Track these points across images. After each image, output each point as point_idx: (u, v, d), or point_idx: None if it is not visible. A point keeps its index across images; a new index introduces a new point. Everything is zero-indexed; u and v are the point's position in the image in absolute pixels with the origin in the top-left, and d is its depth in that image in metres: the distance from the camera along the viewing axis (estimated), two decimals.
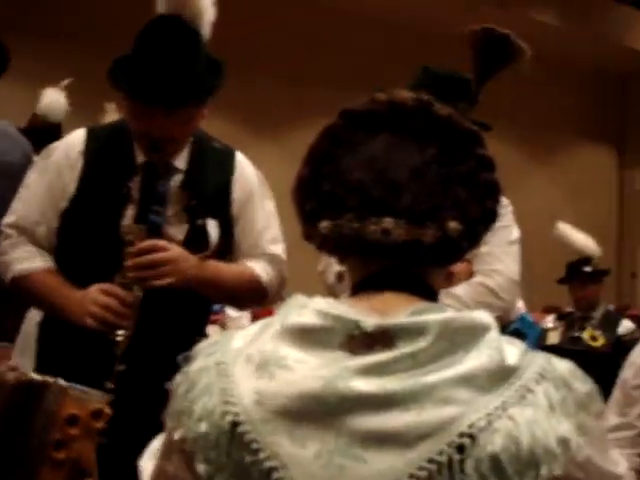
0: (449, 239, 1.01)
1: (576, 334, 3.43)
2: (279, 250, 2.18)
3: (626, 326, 4.42)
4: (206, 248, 2.06)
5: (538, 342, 3.50)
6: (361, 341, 0.94)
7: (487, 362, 0.93)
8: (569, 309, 4.78)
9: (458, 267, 2.26)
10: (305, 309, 0.99)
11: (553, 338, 3.50)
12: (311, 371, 0.93)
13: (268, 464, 0.91)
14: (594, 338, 3.39)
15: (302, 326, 0.97)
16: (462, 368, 0.92)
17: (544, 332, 3.56)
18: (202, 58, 1.97)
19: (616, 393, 2.32)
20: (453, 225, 1.01)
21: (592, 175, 11.70)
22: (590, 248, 4.88)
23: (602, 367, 2.68)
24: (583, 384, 0.96)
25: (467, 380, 0.91)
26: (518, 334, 3.25)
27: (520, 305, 5.11)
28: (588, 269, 4.83)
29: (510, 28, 2.42)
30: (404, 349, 0.92)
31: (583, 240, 4.89)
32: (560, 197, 10.95)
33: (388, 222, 0.99)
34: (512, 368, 0.94)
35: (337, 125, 1.07)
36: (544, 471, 0.88)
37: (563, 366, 0.98)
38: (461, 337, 0.94)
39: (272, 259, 2.16)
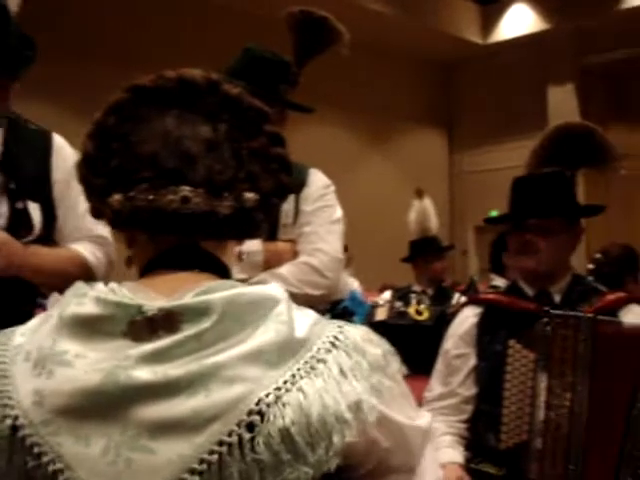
0: (245, 210, 1.01)
1: (402, 309, 3.54)
2: (105, 232, 2.09)
3: (458, 300, 4.63)
4: (29, 233, 1.96)
5: (366, 318, 3.59)
6: (144, 327, 0.91)
7: (275, 337, 0.92)
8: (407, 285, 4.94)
9: (282, 247, 2.27)
10: (84, 298, 0.95)
11: (381, 314, 3.60)
12: (91, 365, 0.89)
13: (52, 467, 0.87)
14: (419, 312, 3.51)
15: (81, 317, 0.93)
16: (249, 345, 0.91)
17: (372, 309, 3.66)
18: (12, 32, 1.83)
19: (439, 364, 2.41)
20: (249, 196, 1.01)
21: (426, 158, 12.16)
22: (436, 228, 5.07)
23: (427, 339, 2.78)
24: (377, 348, 0.99)
25: (255, 357, 0.90)
26: (347, 312, 3.33)
27: (356, 285, 5.23)
28: (436, 246, 5.00)
29: (339, 15, 2.45)
30: (188, 332, 0.90)
31: (435, 219, 5.07)
32: (396, 179, 11.30)
33: (187, 190, 0.98)
34: (301, 340, 0.94)
35: (124, 100, 1.05)
36: (337, 439, 0.89)
37: (356, 333, 0.99)
38: (248, 313, 0.93)
39: (98, 241, 2.09)
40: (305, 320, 0.97)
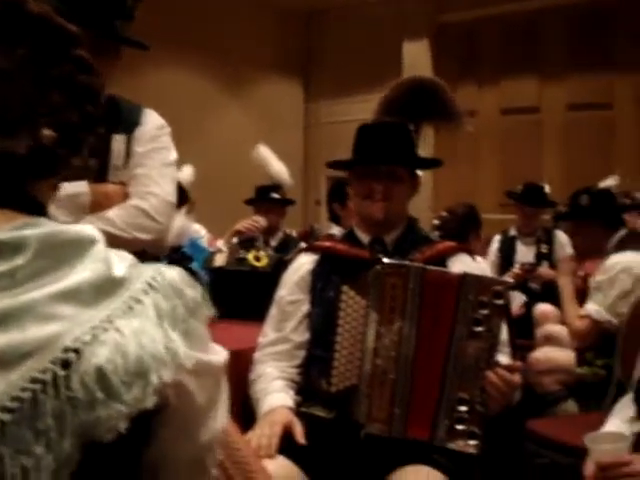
0: (44, 148, 0.95)
1: (241, 256, 3.54)
2: None
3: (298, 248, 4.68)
4: None
5: (205, 264, 3.56)
6: None
7: (92, 275, 0.90)
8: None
9: (111, 189, 2.19)
10: None
11: (220, 260, 3.58)
12: None
13: None
14: (258, 259, 3.52)
15: None
16: (65, 283, 0.88)
17: (211, 255, 3.63)
18: None
19: (273, 310, 2.42)
20: (48, 133, 0.95)
21: (281, 107, 12.11)
22: (283, 176, 5.04)
23: (264, 286, 2.79)
24: (193, 290, 0.98)
25: (70, 295, 0.88)
26: (185, 257, 3.29)
27: (203, 232, 5.17)
28: (276, 196, 5.00)
29: None
30: (0, 268, 0.86)
31: (278, 167, 5.04)
32: (252, 128, 11.20)
33: None
34: (119, 280, 0.92)
35: None
36: (153, 378, 0.89)
37: (173, 274, 0.98)
38: (65, 252, 0.90)
39: None
40: (123, 262, 0.95)
